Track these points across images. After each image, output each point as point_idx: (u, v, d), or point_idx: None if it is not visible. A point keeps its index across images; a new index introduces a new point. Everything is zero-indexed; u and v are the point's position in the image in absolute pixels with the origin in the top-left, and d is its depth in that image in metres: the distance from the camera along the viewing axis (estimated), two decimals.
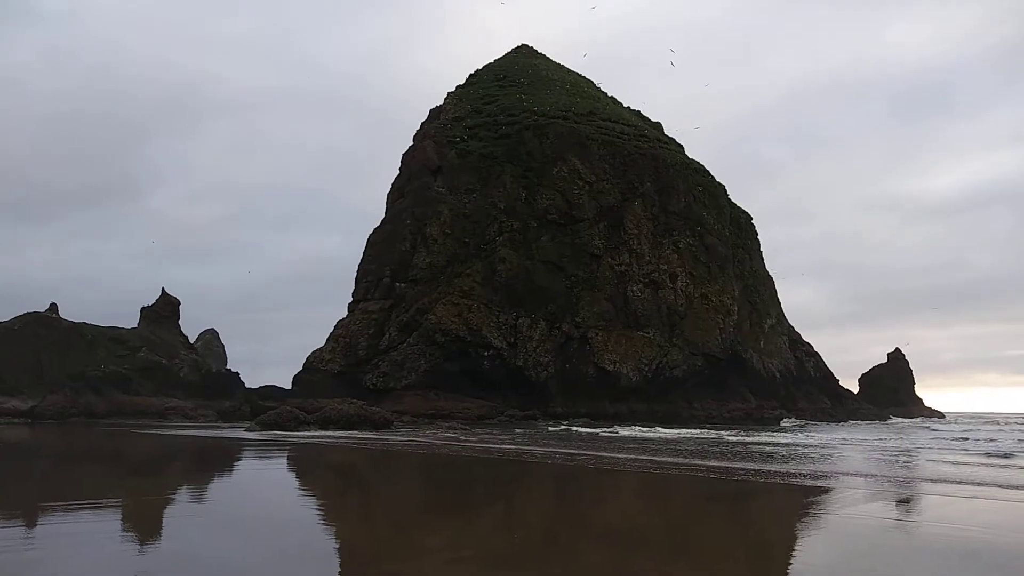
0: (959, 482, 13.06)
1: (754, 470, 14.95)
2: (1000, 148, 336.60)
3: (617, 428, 38.64)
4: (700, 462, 17.00)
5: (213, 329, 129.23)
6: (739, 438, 28.76)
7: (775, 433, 35.49)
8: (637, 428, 39.59)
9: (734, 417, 56.21)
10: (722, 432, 34.76)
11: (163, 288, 67.34)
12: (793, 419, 59.38)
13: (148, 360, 57.08)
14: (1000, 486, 12.49)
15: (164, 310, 66.31)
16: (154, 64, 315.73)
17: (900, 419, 78.02)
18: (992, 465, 17.21)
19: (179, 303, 67.57)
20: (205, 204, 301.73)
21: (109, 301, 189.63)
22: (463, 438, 27.45)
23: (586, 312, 62.23)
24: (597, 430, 36.93)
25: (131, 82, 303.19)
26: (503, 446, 22.52)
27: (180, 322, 67.48)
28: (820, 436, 31.91)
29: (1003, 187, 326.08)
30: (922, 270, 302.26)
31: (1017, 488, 12.36)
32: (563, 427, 41.58)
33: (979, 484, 12.75)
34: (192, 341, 75.79)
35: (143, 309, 66.00)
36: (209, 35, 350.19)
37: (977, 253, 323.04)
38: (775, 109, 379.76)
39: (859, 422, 64.65)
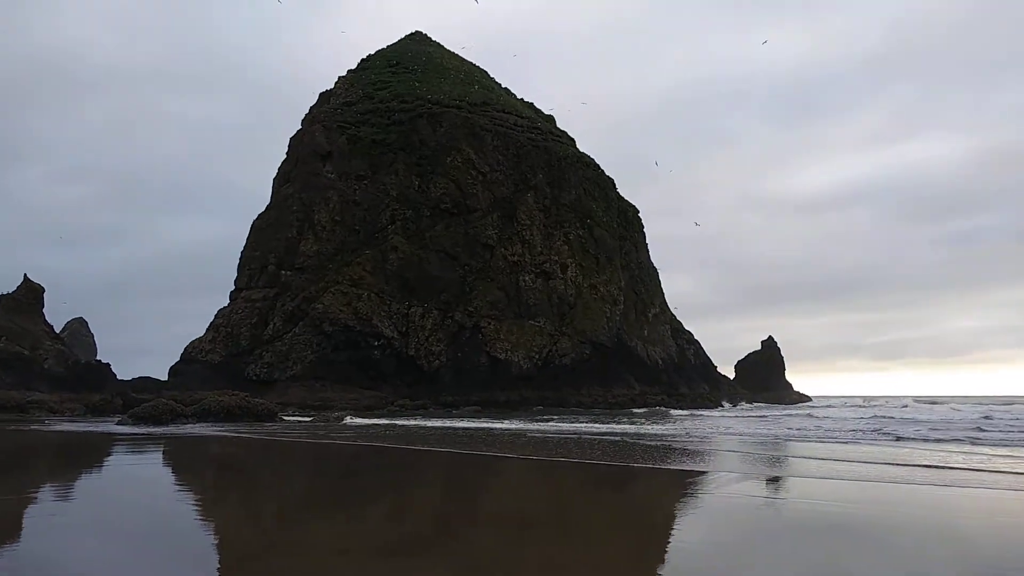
0: (824, 461, 14.01)
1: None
2: (861, 150, 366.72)
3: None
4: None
5: (82, 318, 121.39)
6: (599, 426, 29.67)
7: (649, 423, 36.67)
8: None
9: (619, 403, 58.06)
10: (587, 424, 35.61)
11: (25, 274, 62.47)
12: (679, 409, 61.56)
13: (7, 351, 52.80)
14: (862, 463, 13.50)
15: (26, 297, 61.46)
16: (12, 31, 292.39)
17: (766, 404, 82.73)
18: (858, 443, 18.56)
19: (43, 290, 62.79)
20: (73, 185, 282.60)
21: None
22: (343, 432, 27.00)
23: (479, 301, 62.50)
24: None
25: None
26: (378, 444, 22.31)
27: (44, 311, 62.76)
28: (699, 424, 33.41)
29: (863, 187, 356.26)
30: (792, 264, 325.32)
31: (875, 464, 13.39)
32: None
33: (845, 462, 13.72)
34: (58, 331, 70.71)
35: (1, 297, 60.99)
36: (82, 4, 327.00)
37: (841, 247, 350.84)
38: (660, 111, 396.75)
39: (736, 408, 68.07)
